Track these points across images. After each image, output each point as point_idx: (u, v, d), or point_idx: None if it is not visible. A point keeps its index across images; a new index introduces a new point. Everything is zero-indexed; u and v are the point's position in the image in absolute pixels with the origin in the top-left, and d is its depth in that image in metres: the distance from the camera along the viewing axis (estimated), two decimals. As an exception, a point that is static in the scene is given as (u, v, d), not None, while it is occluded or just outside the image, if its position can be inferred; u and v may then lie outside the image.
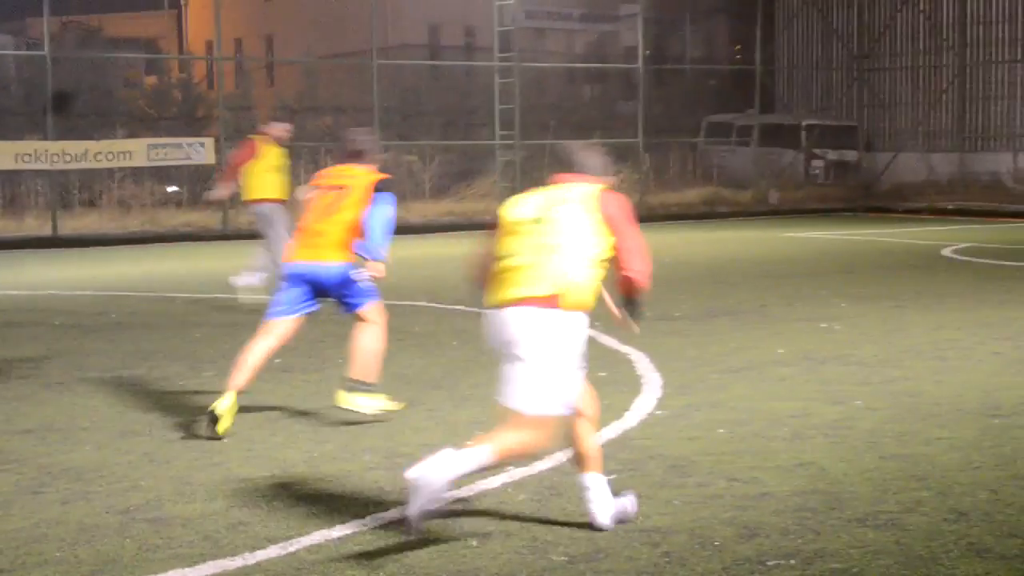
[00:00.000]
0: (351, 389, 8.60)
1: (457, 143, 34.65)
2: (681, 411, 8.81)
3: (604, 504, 6.12)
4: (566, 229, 5.92)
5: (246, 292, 14.54)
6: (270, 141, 15.07)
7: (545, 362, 5.81)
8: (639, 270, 5.98)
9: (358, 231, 8.46)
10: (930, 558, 5.65)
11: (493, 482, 6.97)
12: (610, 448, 7.72)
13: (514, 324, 5.86)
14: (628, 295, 6.10)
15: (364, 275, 8.46)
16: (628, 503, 6.20)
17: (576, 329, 5.93)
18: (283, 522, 6.29)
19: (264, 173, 14.84)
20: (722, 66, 43.62)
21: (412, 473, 5.60)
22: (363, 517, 6.34)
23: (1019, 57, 36.84)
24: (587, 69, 44.23)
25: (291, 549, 5.89)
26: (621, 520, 6.14)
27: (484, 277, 6.17)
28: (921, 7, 39.48)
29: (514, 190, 31.08)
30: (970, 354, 10.99)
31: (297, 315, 8.65)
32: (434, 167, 32.88)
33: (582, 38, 51.37)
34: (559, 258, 5.88)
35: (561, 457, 7.49)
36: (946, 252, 21.33)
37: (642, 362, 10.68)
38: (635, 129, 33.47)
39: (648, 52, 35.70)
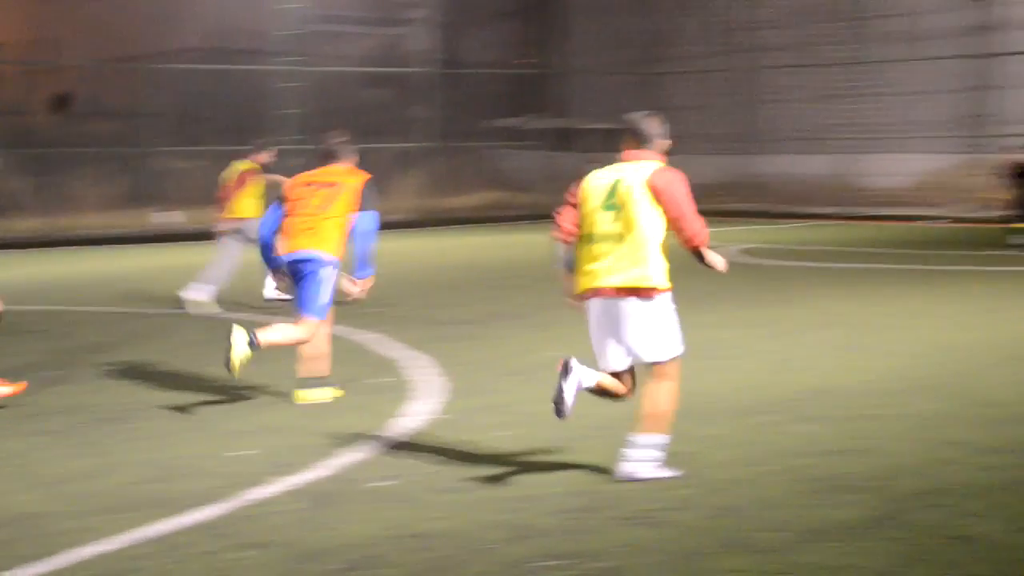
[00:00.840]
0: (304, 387, 9.43)
1: (242, 148, 34.24)
2: (461, 414, 8.85)
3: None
4: (636, 217, 6.97)
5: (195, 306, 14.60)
6: (258, 168, 15.53)
7: (658, 331, 7.04)
8: (694, 233, 7.01)
9: (345, 230, 9.31)
10: (695, 554, 5.78)
11: (269, 490, 6.92)
12: (389, 454, 7.73)
13: (623, 315, 7.02)
14: (693, 252, 7.13)
15: (355, 290, 9.52)
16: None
17: (666, 301, 7.13)
18: (42, 540, 6.13)
19: (251, 197, 15.31)
20: (511, 70, 43.89)
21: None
22: (125, 532, 6.20)
23: (803, 61, 37.85)
24: (377, 73, 44.09)
25: (47, 569, 5.75)
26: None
27: (570, 242, 7.22)
28: (708, 11, 40.30)
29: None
30: (739, 353, 11.29)
31: None
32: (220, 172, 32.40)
33: (372, 42, 51.13)
34: (638, 247, 6.98)
35: (336, 465, 7.48)
36: (728, 253, 21.85)
37: (426, 367, 10.70)
38: (424, 133, 33.51)
39: (439, 56, 35.75)
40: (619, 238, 6.99)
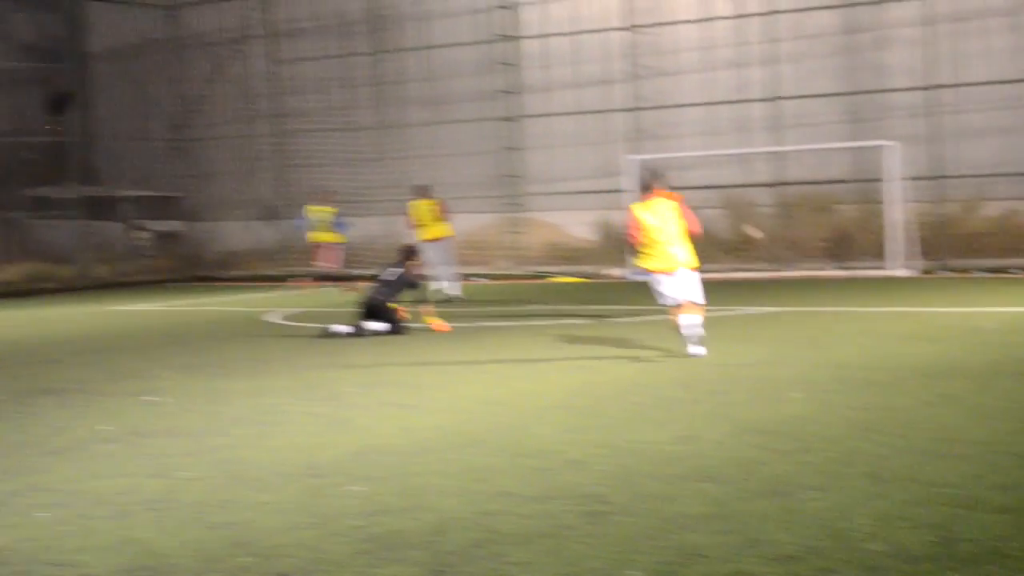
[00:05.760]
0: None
1: None
2: (1, 497, 8.43)
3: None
4: (677, 226, 14.13)
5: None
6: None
7: (698, 288, 14.08)
8: (697, 229, 14.25)
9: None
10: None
11: None
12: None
13: (686, 278, 14.04)
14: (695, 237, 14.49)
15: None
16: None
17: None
18: None
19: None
20: (37, 138, 42.45)
21: (685, 324, 14.04)
22: None
23: (331, 125, 38.38)
24: None
25: None
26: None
27: (639, 249, 14.25)
28: (232, 79, 40.30)
29: None
30: (291, 417, 11.27)
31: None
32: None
33: None
34: (683, 242, 14.12)
35: None
36: (271, 318, 21.81)
37: (-43, 451, 10.15)
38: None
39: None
40: (673, 242, 14.20)
